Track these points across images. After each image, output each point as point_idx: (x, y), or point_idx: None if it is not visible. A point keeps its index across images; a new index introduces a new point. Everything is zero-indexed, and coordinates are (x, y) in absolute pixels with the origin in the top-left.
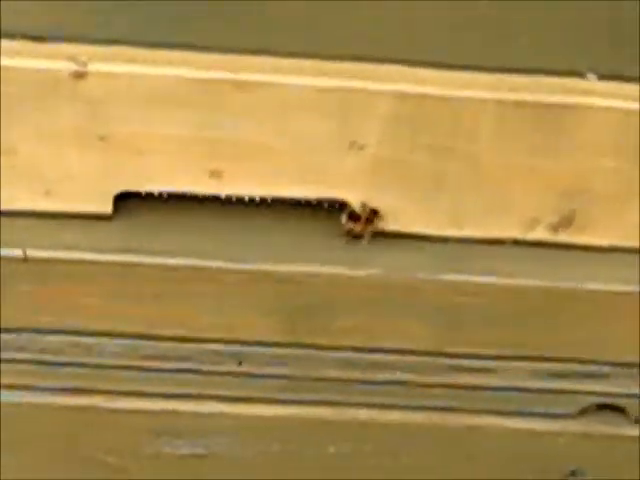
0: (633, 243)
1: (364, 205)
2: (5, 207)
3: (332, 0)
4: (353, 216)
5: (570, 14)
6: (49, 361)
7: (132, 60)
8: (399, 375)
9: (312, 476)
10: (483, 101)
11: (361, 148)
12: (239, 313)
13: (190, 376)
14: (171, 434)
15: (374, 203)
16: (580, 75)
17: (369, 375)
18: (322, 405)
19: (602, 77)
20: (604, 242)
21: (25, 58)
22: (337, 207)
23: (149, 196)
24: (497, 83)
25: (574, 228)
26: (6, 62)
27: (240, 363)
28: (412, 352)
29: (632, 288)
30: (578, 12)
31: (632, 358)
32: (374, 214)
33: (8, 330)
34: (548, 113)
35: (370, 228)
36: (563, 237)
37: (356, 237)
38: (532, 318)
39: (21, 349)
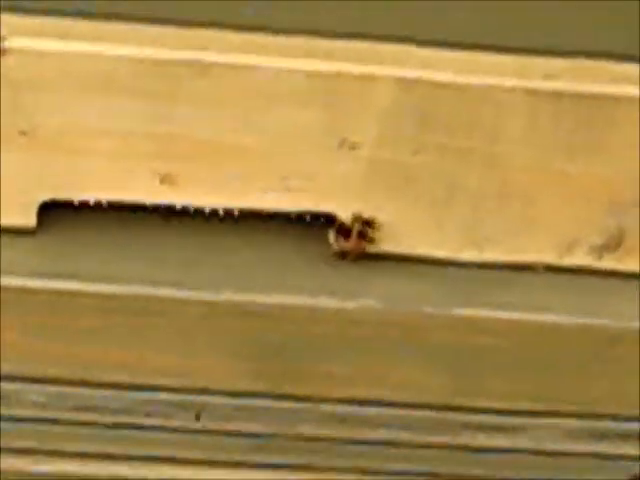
0: None
1: (356, 217)
2: None
3: None
4: (343, 232)
5: None
6: None
7: (63, 34)
8: (397, 434)
9: None
10: (509, 90)
11: (353, 147)
12: (197, 354)
13: (134, 433)
14: None
15: (369, 216)
16: (632, 59)
17: (360, 433)
18: (300, 470)
19: None
20: None
21: None
22: (323, 222)
23: (83, 206)
24: (527, 67)
25: (622, 251)
26: None
27: (198, 417)
28: (414, 405)
29: None
30: None
31: None
32: (368, 227)
33: None
34: (591, 105)
35: (364, 246)
36: (608, 262)
37: (346, 259)
38: (567, 364)
39: None
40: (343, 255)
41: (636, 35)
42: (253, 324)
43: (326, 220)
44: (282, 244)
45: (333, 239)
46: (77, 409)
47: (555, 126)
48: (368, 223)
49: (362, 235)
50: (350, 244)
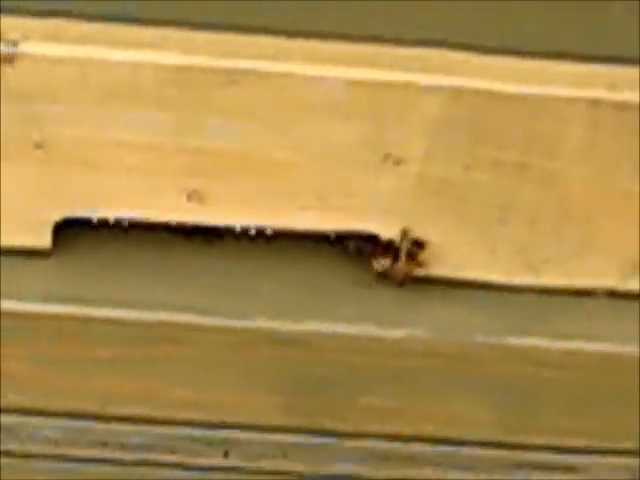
0: None
1: (405, 235)
2: None
3: None
4: (387, 252)
5: None
6: None
7: (80, 39)
8: (445, 473)
9: None
10: (570, 101)
11: (398, 163)
12: (226, 385)
13: (157, 471)
14: None
15: (417, 236)
16: None
17: (404, 473)
18: None
19: None
20: None
21: None
22: (363, 243)
23: (102, 225)
24: (590, 77)
25: None
26: None
27: (226, 454)
28: (464, 442)
29: None
30: None
31: None
32: (417, 248)
33: None
34: None
35: (412, 269)
36: None
37: (392, 283)
38: (632, 397)
39: None
40: (388, 278)
41: None
42: (286, 354)
43: (367, 242)
44: (319, 267)
45: (377, 260)
46: (94, 445)
47: (619, 140)
48: (417, 243)
49: (410, 256)
50: (398, 267)
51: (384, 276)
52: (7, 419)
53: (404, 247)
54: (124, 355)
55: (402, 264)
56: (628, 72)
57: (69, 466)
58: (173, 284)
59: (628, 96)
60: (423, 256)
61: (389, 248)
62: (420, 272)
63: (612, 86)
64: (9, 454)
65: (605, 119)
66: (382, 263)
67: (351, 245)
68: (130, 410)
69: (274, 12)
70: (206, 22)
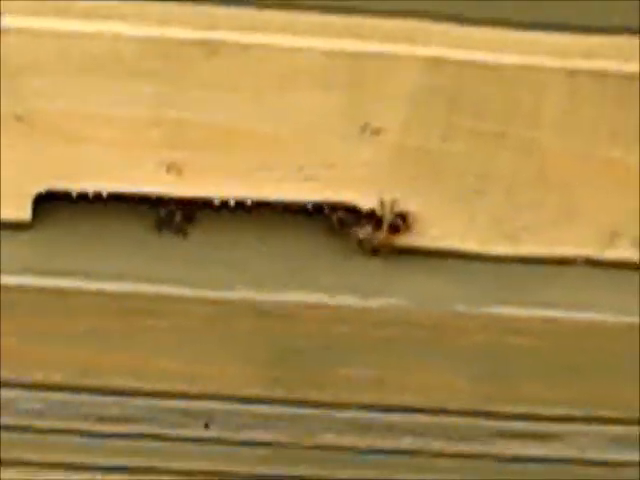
0: None
1: (389, 205)
2: None
3: None
4: (368, 222)
5: None
6: None
7: (61, 12)
8: (425, 442)
9: None
10: (548, 70)
11: (377, 133)
12: (206, 357)
13: (140, 443)
14: None
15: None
16: None
17: (384, 442)
18: None
19: None
20: None
21: None
22: (346, 214)
23: (82, 198)
24: (568, 45)
25: None
26: None
27: (207, 425)
28: (444, 412)
29: None
30: None
31: None
32: (402, 220)
33: None
34: (637, 86)
35: (396, 239)
36: None
37: (375, 253)
38: (611, 365)
39: None
40: (373, 250)
41: None
42: (267, 325)
43: (346, 213)
44: (299, 238)
45: (359, 230)
46: (76, 417)
47: (598, 109)
48: (401, 215)
49: (394, 227)
50: (381, 236)
51: (364, 246)
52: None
53: (387, 218)
54: (104, 327)
55: (383, 233)
56: (605, 41)
57: (50, 438)
58: (153, 256)
59: (605, 65)
60: (404, 227)
61: (371, 218)
62: (399, 241)
63: (589, 55)
64: None
65: (583, 88)
66: (362, 232)
67: (334, 217)
68: (110, 382)
69: None
70: None
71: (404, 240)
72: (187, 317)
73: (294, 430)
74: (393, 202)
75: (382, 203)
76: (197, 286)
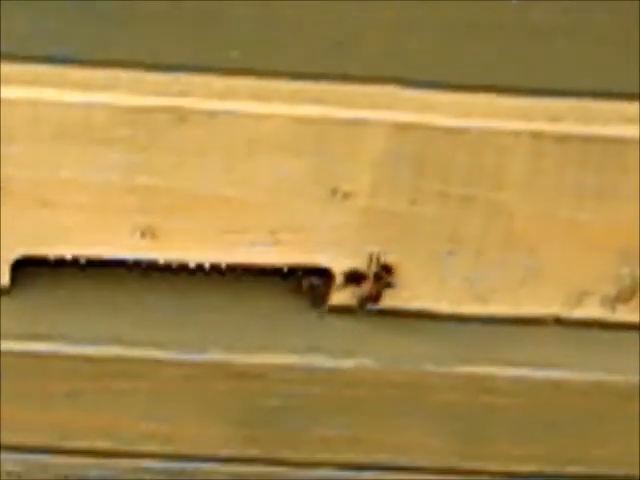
0: None
1: (374, 258)
2: None
3: (309, 3)
4: (346, 283)
5: (625, 18)
6: None
7: (34, 81)
8: None
9: None
10: (512, 133)
11: (346, 197)
12: (184, 418)
13: None
14: None
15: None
16: None
17: None
18: None
19: None
20: None
21: None
22: (316, 279)
23: (59, 263)
24: (531, 109)
25: (637, 302)
26: None
27: None
28: (416, 470)
29: None
30: (636, 15)
31: None
32: (385, 271)
33: None
34: (600, 149)
35: (381, 291)
36: (622, 314)
37: (341, 315)
38: (580, 423)
39: None
40: (361, 304)
41: None
42: (241, 386)
43: (316, 275)
44: (272, 300)
45: (331, 289)
46: (55, 477)
47: (562, 171)
48: (385, 267)
49: (378, 277)
50: (366, 288)
51: (335, 307)
52: None
53: (372, 270)
54: (82, 389)
55: (371, 286)
56: (568, 104)
57: None
58: (130, 319)
59: (569, 128)
60: (391, 280)
61: (355, 276)
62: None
63: (553, 118)
64: None
65: (547, 150)
66: (351, 289)
67: (304, 283)
68: (89, 443)
69: (221, 52)
70: (155, 63)
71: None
72: (163, 379)
73: None
74: (377, 256)
75: (370, 257)
76: (173, 348)
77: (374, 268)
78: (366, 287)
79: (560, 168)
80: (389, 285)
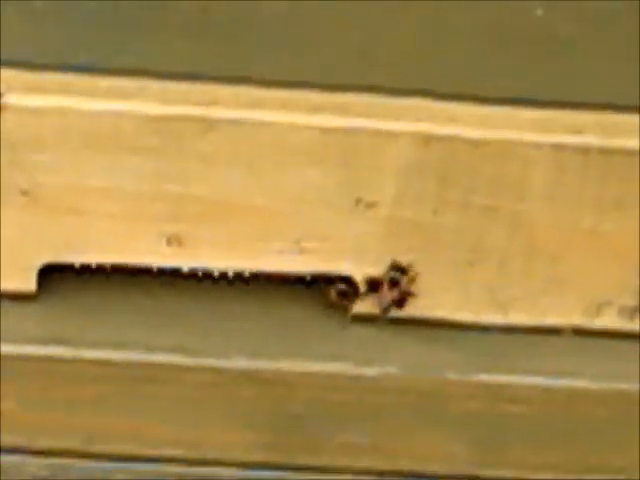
0: None
1: (394, 266)
2: None
3: (331, 11)
4: (361, 293)
5: None
6: None
7: (63, 90)
8: None
9: None
10: (535, 145)
11: (370, 207)
12: (208, 424)
13: None
14: None
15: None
16: None
17: None
18: None
19: None
20: None
21: None
22: (345, 287)
23: (85, 269)
24: (553, 121)
25: None
26: None
27: None
28: (437, 477)
29: None
30: None
31: None
32: (402, 274)
33: None
34: (621, 161)
35: (405, 296)
36: None
37: (366, 323)
38: (595, 432)
39: None
40: (384, 311)
41: None
42: (265, 392)
43: (342, 283)
44: (296, 307)
45: (355, 300)
46: None
47: (583, 182)
48: (402, 270)
49: (394, 284)
50: (387, 294)
51: (360, 316)
52: (2, 457)
53: (387, 277)
54: (108, 394)
55: (390, 293)
56: (590, 117)
57: None
58: (154, 325)
59: (590, 140)
60: (409, 290)
61: (372, 288)
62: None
63: (575, 130)
64: None
65: (568, 162)
66: (372, 298)
67: (332, 291)
68: (115, 447)
69: (249, 62)
70: (184, 72)
71: (396, 310)
72: (188, 385)
73: None
74: (395, 262)
75: (390, 264)
76: (198, 355)
77: (391, 274)
78: (387, 293)
79: (581, 180)
80: (410, 290)
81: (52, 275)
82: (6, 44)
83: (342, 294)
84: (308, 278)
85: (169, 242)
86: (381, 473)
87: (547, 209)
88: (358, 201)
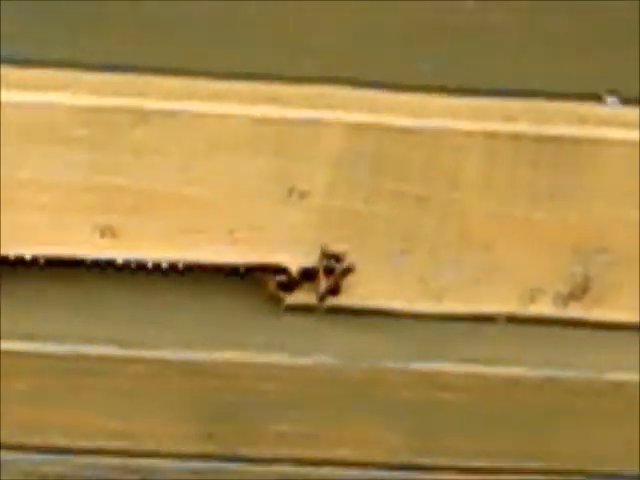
0: None
1: (326, 254)
2: None
3: (269, 7)
4: (295, 283)
5: (581, 18)
6: None
7: None
8: None
9: None
10: (467, 133)
11: (303, 196)
12: (142, 415)
13: None
14: None
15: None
16: (596, 99)
17: None
18: None
19: (626, 102)
20: (628, 317)
21: None
22: (282, 277)
23: (20, 262)
24: (485, 109)
25: (588, 300)
26: None
27: None
28: (373, 465)
29: None
30: (592, 15)
31: None
32: (337, 262)
33: None
34: (553, 149)
35: (337, 283)
36: (574, 311)
37: (301, 313)
38: (532, 419)
39: None
40: (320, 298)
41: (596, 74)
42: (201, 383)
43: (276, 273)
44: (230, 298)
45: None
46: (16, 475)
47: (516, 171)
48: (337, 258)
49: (328, 272)
50: (322, 282)
51: (294, 307)
52: None
53: (322, 265)
54: (43, 387)
55: (326, 282)
56: (522, 104)
57: None
58: (88, 317)
59: (522, 128)
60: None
61: (307, 276)
62: (336, 301)
63: (506, 118)
64: None
65: (501, 150)
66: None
67: (270, 282)
68: (50, 441)
69: (181, 53)
70: (116, 63)
71: (333, 300)
72: (123, 377)
73: None
74: (327, 249)
75: (321, 252)
76: (132, 346)
77: (326, 262)
78: (323, 282)
79: (514, 168)
80: (346, 274)
81: None
82: None
83: (281, 285)
84: (242, 269)
85: (102, 234)
86: (318, 462)
87: (480, 198)
88: (291, 191)
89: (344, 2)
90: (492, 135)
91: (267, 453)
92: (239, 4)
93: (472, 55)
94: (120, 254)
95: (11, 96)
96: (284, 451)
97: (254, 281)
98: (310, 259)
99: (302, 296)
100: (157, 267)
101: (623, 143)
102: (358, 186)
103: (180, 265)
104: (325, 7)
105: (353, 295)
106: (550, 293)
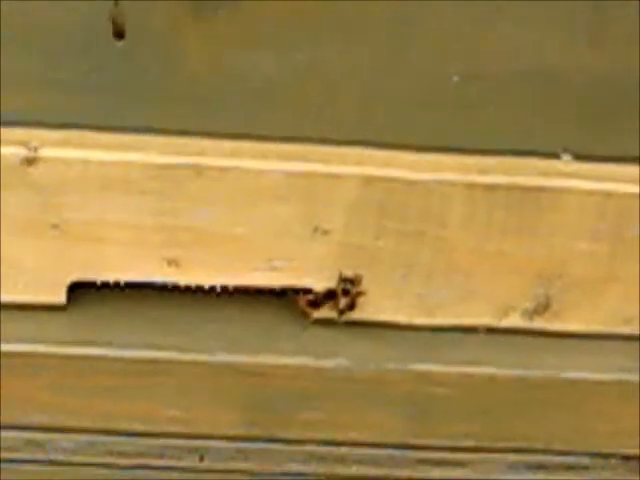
0: (611, 329)
1: (346, 280)
2: None
3: (293, 80)
4: (320, 301)
5: (542, 92)
6: (1, 458)
7: (84, 145)
8: (366, 469)
9: None
10: (451, 184)
11: (325, 234)
12: (200, 406)
13: (149, 472)
14: None
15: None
16: (555, 156)
17: (335, 469)
18: None
19: (578, 157)
20: (581, 328)
21: None
22: (311, 296)
23: (104, 286)
24: (466, 165)
25: (550, 314)
26: None
27: (202, 458)
28: (380, 445)
29: (611, 376)
30: (550, 90)
31: (612, 449)
32: (352, 285)
33: None
34: (520, 196)
35: (353, 301)
36: (538, 324)
37: (324, 325)
38: (507, 408)
39: None
40: (340, 313)
41: (555, 137)
42: (245, 380)
43: (304, 294)
44: (268, 314)
45: (311, 306)
46: (101, 453)
47: (490, 213)
48: (351, 281)
49: (345, 293)
50: (341, 300)
51: (318, 320)
52: (35, 435)
53: (340, 287)
54: (123, 384)
55: (344, 302)
56: (494, 160)
57: (82, 470)
58: (157, 329)
59: (495, 179)
60: (355, 292)
61: (328, 295)
62: (344, 317)
63: (482, 171)
64: (36, 462)
65: (478, 197)
66: (318, 309)
67: (302, 300)
68: (127, 427)
69: (230, 120)
70: (179, 129)
71: (347, 315)
72: (185, 376)
73: (267, 461)
74: (343, 275)
75: (339, 277)
76: (193, 352)
77: (343, 285)
78: (341, 300)
79: (489, 211)
80: (359, 295)
81: (79, 290)
82: (38, 108)
83: (309, 303)
84: (278, 290)
85: (169, 264)
86: (337, 443)
87: (463, 235)
88: (316, 229)
89: (352, 81)
90: (471, 186)
91: (297, 436)
92: (277, 84)
93: (457, 122)
94: (182, 279)
95: (97, 155)
96: (310, 434)
97: (288, 300)
98: (331, 283)
99: (325, 312)
100: (212, 289)
101: (577, 191)
102: (368, 226)
103: (230, 288)
104: (341, 84)
105: (365, 311)
106: (519, 309)
